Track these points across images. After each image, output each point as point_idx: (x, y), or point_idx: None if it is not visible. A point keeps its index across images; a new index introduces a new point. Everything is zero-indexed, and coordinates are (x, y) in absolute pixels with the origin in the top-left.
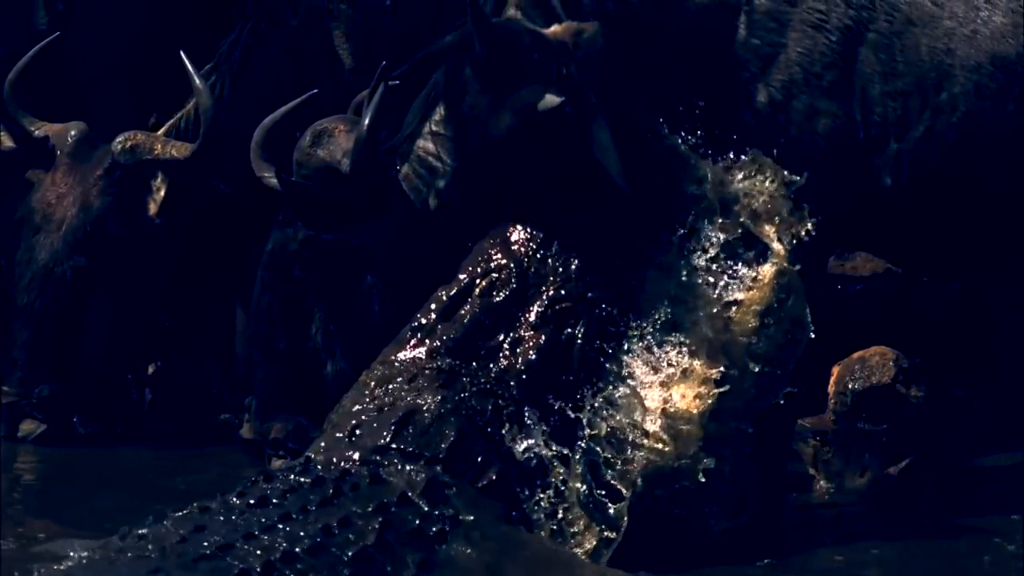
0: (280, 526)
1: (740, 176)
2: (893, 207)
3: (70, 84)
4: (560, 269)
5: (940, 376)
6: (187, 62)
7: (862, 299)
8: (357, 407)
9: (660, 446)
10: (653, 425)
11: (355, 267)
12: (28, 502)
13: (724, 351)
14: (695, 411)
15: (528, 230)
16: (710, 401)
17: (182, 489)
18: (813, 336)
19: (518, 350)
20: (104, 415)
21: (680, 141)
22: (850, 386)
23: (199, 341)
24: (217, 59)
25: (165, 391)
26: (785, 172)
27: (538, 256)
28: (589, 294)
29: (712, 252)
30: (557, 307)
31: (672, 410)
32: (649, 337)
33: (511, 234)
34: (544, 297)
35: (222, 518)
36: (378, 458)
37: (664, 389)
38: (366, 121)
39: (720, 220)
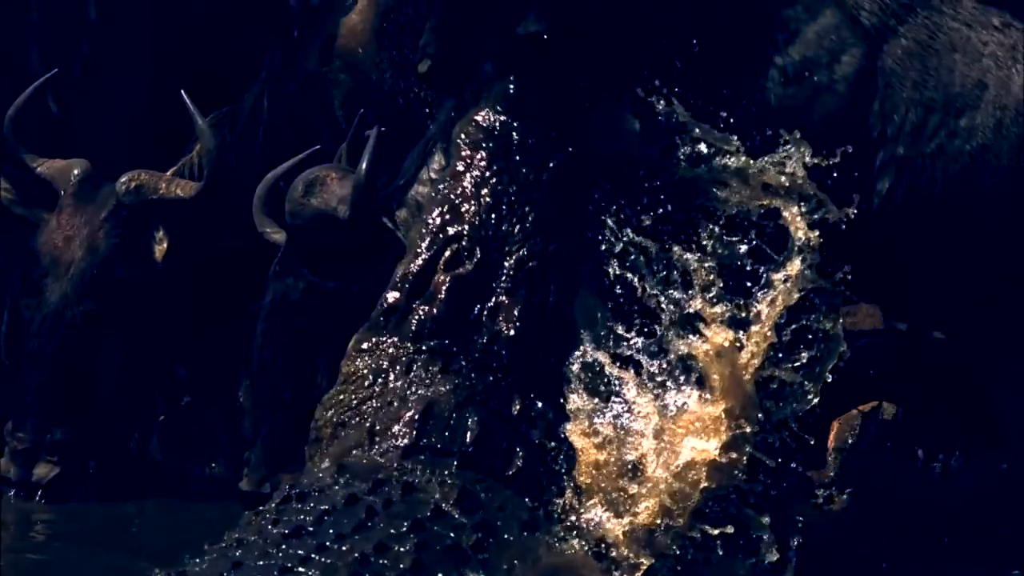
0: (316, 557)
1: (761, 156)
2: (881, 223)
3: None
4: (517, 228)
5: (941, 430)
6: (189, 103)
7: (863, 354)
8: (358, 402)
9: (652, 506)
10: (649, 470)
11: (357, 314)
12: (25, 562)
13: (734, 381)
14: (698, 461)
15: (473, 194)
16: (718, 451)
17: (181, 546)
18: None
19: (498, 319)
20: (115, 458)
21: (681, 105)
22: (850, 441)
23: (202, 392)
24: (222, 116)
25: (169, 442)
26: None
27: (492, 219)
28: (551, 247)
29: (719, 241)
30: (525, 268)
31: (670, 455)
32: (638, 345)
33: (458, 201)
34: (511, 259)
35: (258, 551)
36: (407, 463)
37: (661, 424)
38: (363, 165)
39: (730, 200)
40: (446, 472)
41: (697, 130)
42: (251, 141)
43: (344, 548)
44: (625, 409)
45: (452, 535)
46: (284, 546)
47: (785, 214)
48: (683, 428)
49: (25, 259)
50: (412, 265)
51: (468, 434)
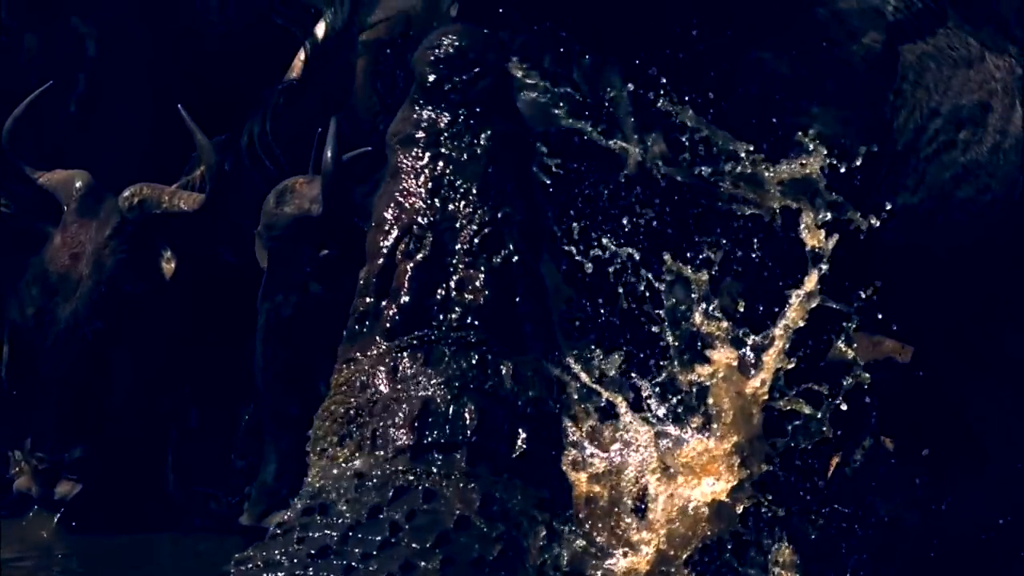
0: None
1: (772, 161)
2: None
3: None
4: (463, 204)
5: (940, 459)
6: (188, 119)
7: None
8: (355, 411)
9: (651, 552)
10: (647, 511)
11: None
12: None
13: (741, 409)
14: (700, 503)
15: (413, 185)
16: (724, 493)
17: None
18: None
19: (465, 291)
20: (131, 480)
21: (675, 93)
22: (850, 474)
23: (204, 422)
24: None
25: (180, 470)
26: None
27: (436, 203)
28: (499, 213)
29: (723, 250)
30: (479, 237)
31: (670, 495)
32: (631, 368)
33: (401, 197)
34: (464, 233)
35: (284, 573)
36: (419, 466)
37: (660, 459)
38: (327, 154)
39: (736, 203)
40: (461, 472)
41: (704, 129)
42: (247, 168)
43: (371, 568)
44: (620, 439)
45: (477, 546)
46: (311, 569)
47: (799, 217)
48: (684, 464)
49: (29, 277)
50: (373, 266)
51: (468, 425)
